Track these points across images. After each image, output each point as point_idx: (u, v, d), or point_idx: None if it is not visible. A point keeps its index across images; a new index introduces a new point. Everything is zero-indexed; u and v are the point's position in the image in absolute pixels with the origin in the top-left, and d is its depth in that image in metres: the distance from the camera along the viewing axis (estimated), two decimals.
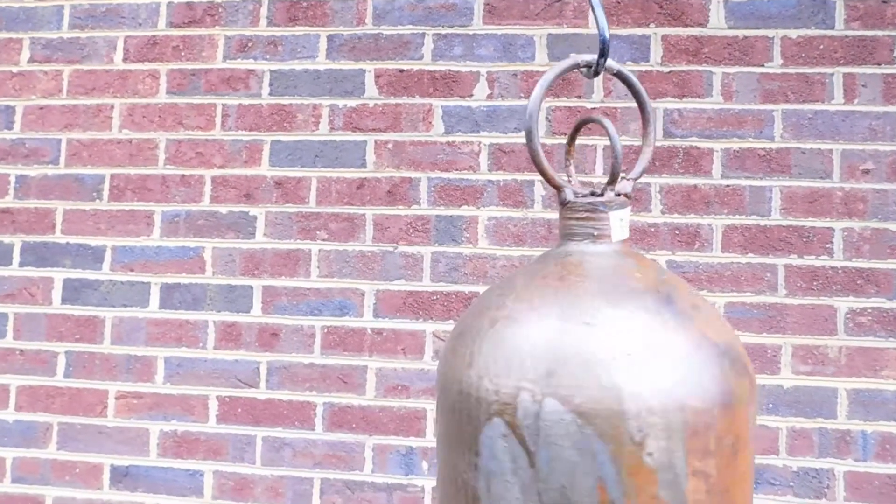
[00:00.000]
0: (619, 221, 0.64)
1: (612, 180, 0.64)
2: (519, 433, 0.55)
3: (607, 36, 0.62)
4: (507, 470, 0.55)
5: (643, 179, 1.64)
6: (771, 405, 1.56)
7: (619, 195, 0.64)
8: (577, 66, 0.64)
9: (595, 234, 0.63)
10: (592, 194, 0.64)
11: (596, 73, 0.65)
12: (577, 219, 0.64)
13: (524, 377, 0.55)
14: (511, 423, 0.55)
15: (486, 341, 0.59)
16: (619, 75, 0.66)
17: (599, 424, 0.53)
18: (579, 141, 1.66)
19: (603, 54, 0.63)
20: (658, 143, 1.65)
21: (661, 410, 0.53)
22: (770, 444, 1.56)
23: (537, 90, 0.62)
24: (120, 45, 1.80)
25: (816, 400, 1.56)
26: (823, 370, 1.56)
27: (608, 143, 1.64)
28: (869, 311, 1.56)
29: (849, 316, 1.57)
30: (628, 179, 0.65)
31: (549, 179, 0.63)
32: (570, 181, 0.67)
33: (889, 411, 1.54)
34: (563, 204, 0.64)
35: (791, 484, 1.55)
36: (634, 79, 0.67)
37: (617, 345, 0.55)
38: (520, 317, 0.59)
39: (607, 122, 0.64)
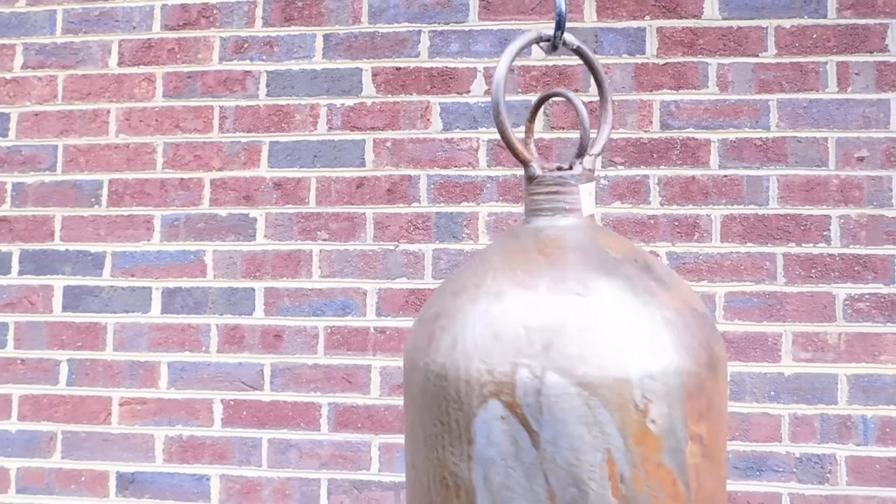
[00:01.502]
0: (588, 195, 0.63)
1: (581, 153, 0.63)
2: (520, 413, 0.52)
3: (564, 9, 0.62)
4: (508, 455, 0.52)
5: (641, 171, 1.66)
6: (773, 392, 1.58)
7: (584, 170, 0.64)
8: (540, 38, 0.63)
9: (566, 207, 0.62)
10: (559, 169, 0.64)
11: (555, 48, 0.64)
12: (547, 193, 0.63)
13: (520, 353, 0.53)
14: (510, 404, 0.52)
15: (470, 320, 0.56)
16: (579, 51, 0.66)
17: (605, 395, 0.51)
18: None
19: (559, 27, 0.62)
20: (655, 135, 1.66)
21: (661, 375, 0.53)
22: (773, 431, 1.57)
23: (502, 62, 0.61)
24: (115, 48, 1.79)
25: (817, 386, 1.57)
26: (823, 357, 1.58)
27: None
28: (867, 296, 1.58)
29: (847, 302, 1.59)
30: (590, 155, 0.65)
31: (516, 153, 0.62)
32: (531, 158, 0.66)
33: (888, 396, 1.56)
34: (531, 179, 0.63)
35: (794, 470, 1.56)
36: (591, 55, 0.67)
37: (612, 313, 0.54)
38: (505, 292, 0.56)
39: (572, 95, 0.64)
